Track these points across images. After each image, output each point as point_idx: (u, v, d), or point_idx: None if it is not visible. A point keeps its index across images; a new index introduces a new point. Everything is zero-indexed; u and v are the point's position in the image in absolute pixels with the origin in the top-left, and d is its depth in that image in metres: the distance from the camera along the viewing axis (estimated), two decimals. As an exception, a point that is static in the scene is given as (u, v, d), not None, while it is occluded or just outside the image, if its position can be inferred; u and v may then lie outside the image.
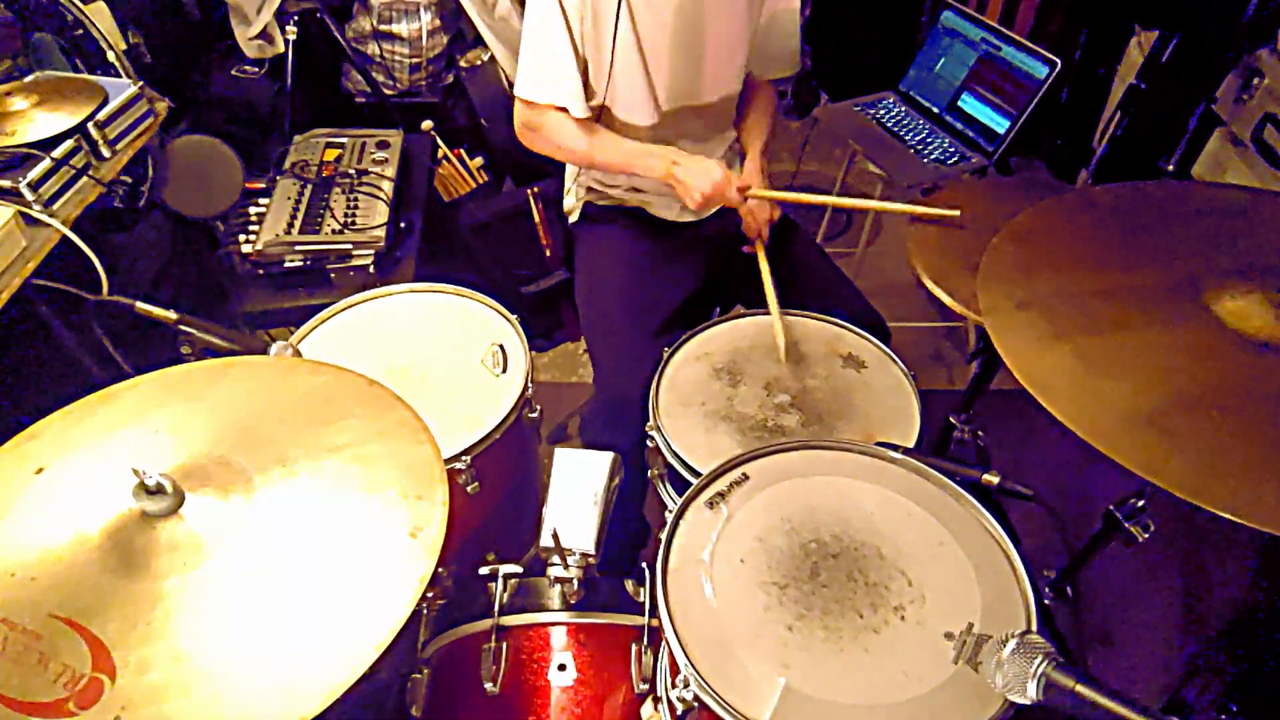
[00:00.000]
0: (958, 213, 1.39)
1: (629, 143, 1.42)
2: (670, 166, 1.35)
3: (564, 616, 1.07)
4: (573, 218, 1.66)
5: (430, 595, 1.18)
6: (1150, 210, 1.17)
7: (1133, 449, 0.82)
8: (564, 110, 1.38)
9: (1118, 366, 0.92)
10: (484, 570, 1.10)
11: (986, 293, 1.02)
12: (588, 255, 1.63)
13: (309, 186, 1.83)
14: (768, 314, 1.41)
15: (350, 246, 1.71)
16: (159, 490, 0.75)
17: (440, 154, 2.39)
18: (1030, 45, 2.14)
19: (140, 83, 1.65)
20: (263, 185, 1.84)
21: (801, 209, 2.91)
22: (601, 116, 1.44)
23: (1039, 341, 0.95)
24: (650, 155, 1.38)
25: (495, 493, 1.29)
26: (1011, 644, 0.71)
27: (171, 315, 1.10)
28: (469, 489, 1.19)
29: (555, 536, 0.99)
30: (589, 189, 1.61)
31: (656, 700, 1.00)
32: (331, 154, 1.93)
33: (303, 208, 1.78)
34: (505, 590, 1.09)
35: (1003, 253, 1.09)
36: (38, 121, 1.48)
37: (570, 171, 1.65)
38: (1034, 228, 1.14)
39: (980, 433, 1.69)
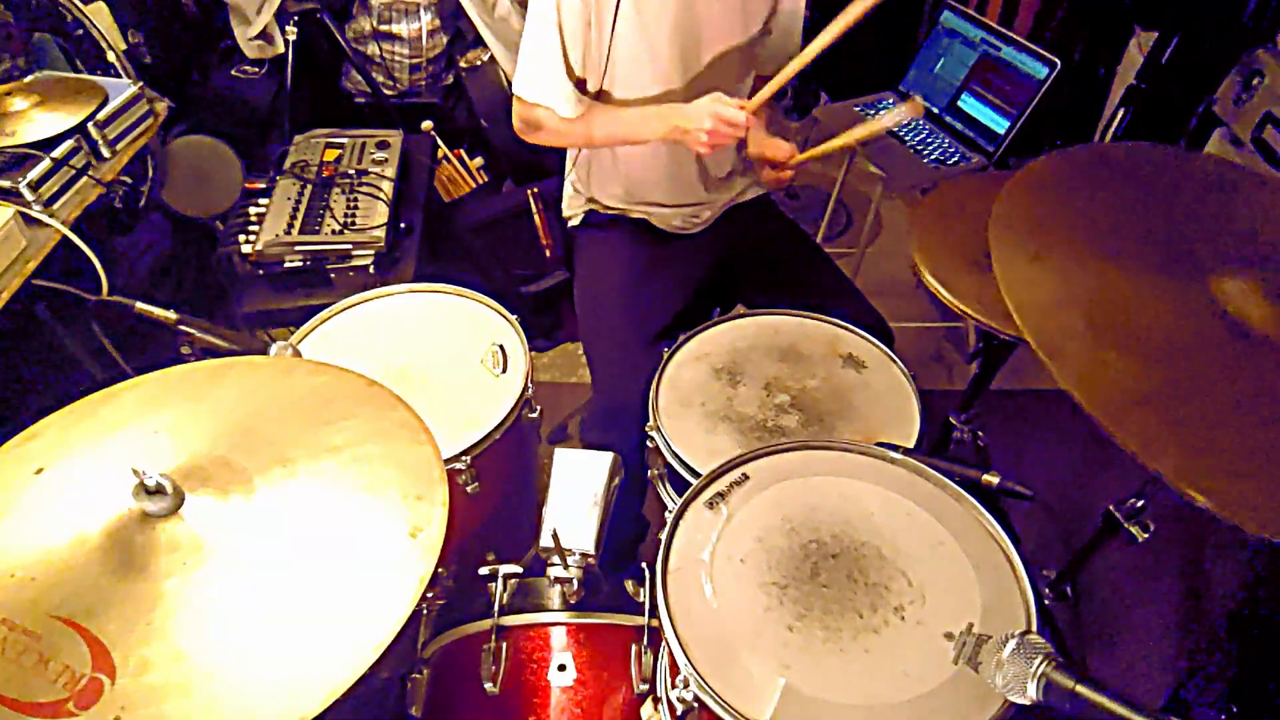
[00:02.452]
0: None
1: (626, 111, 1.39)
2: (670, 119, 1.33)
3: (564, 616, 1.07)
4: (573, 222, 1.66)
5: (430, 595, 1.19)
6: (1162, 175, 1.14)
7: (1133, 428, 0.80)
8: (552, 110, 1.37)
9: (1125, 339, 0.89)
10: (484, 570, 1.10)
11: (999, 243, 0.97)
12: (587, 261, 1.62)
13: (309, 186, 1.83)
14: (768, 314, 1.41)
15: (350, 247, 1.71)
16: (159, 490, 0.75)
17: (440, 154, 2.39)
18: (1030, 45, 2.14)
19: (140, 83, 1.65)
20: (263, 185, 1.84)
21: (800, 212, 2.91)
22: (601, 98, 1.41)
23: (1052, 302, 0.92)
24: (648, 118, 1.36)
25: (495, 493, 1.29)
26: (1011, 644, 0.71)
27: (171, 315, 1.10)
28: (469, 489, 1.19)
29: (555, 536, 0.99)
30: (590, 198, 1.60)
31: (656, 700, 1.00)
32: (331, 154, 1.93)
33: (303, 208, 1.78)
34: (505, 590, 1.09)
35: (1016, 199, 1.04)
36: (38, 121, 1.47)
37: (569, 174, 1.65)
38: (1047, 177, 1.09)
39: (980, 433, 1.69)
